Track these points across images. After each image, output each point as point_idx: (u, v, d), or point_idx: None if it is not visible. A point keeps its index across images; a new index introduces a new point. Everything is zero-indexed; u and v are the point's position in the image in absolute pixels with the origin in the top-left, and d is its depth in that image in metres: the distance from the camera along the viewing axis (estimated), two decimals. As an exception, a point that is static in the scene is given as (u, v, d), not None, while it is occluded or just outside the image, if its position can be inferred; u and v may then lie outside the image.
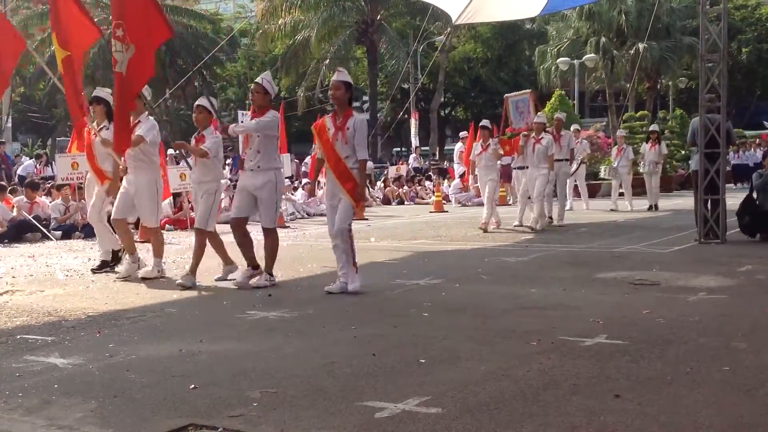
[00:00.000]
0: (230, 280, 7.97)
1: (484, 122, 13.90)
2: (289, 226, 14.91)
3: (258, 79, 7.77)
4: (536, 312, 6.12)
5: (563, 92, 28.50)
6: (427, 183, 24.11)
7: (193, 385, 4.23)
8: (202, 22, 41.26)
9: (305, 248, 11.13)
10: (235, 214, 7.82)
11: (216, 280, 8.08)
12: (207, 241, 8.03)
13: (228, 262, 8.22)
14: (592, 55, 33.73)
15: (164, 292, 7.44)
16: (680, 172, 26.25)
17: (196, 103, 8.25)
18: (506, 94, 15.23)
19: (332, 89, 7.16)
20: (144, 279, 8.15)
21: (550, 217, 13.70)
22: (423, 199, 22.11)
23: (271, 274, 7.69)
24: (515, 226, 13.34)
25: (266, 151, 7.57)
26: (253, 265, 7.80)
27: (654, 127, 19.22)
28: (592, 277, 7.83)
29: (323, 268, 8.89)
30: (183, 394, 4.11)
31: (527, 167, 13.14)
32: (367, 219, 16.36)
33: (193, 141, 8.27)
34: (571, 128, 17.79)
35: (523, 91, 16.03)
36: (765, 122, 34.47)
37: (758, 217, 10.78)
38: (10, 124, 29.23)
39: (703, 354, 4.73)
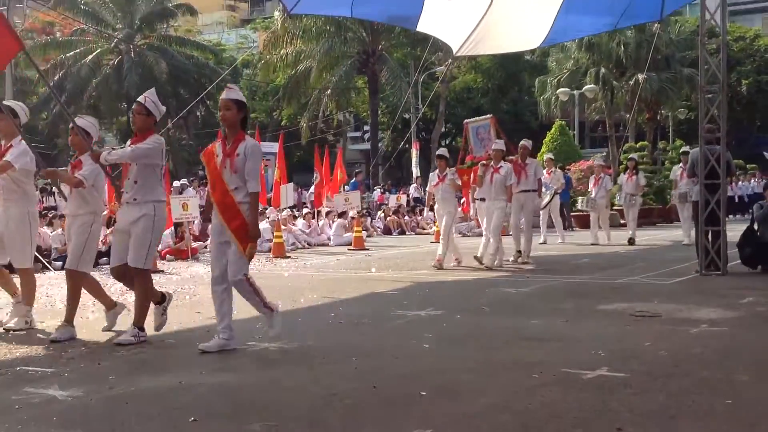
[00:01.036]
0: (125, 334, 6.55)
1: (441, 151, 13.14)
2: (289, 257, 14.90)
3: (140, 98, 6.84)
4: (538, 343, 6.10)
5: (563, 122, 28.65)
6: (427, 213, 24.11)
7: (193, 418, 4.20)
8: (205, 52, 41.57)
9: (306, 279, 11.12)
10: (114, 263, 6.67)
11: (104, 330, 6.95)
12: (82, 284, 6.93)
13: (110, 306, 7.14)
14: (592, 85, 33.91)
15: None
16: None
17: (71, 124, 7.26)
18: (466, 120, 14.45)
19: (221, 109, 6.14)
20: (9, 331, 7.08)
21: (519, 251, 12.71)
22: (424, 229, 22.10)
23: (141, 329, 6.45)
24: (474, 256, 12.13)
25: (145, 182, 6.49)
26: (155, 300, 6.81)
27: (632, 156, 18.47)
28: (593, 309, 7.81)
29: (323, 298, 8.88)
30: (183, 426, 4.09)
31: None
32: (367, 249, 16.36)
33: (69, 167, 7.20)
34: (545, 157, 17.53)
35: (484, 116, 15.14)
36: (765, 153, 34.51)
37: (759, 248, 10.77)
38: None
39: (705, 387, 4.71)
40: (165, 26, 41.15)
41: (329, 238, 18.48)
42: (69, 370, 5.45)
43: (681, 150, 17.30)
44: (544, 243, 16.53)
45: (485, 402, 4.43)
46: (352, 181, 25.19)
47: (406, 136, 28.66)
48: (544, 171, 16.90)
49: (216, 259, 6.16)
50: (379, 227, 22.11)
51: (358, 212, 18.74)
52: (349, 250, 16.52)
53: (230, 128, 6.08)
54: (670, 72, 36.03)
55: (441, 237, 12.40)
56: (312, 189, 22.90)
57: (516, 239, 12.81)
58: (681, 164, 15.81)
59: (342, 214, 19.04)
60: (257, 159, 6.02)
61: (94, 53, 37.78)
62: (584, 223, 23.19)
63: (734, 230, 11.59)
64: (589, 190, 17.38)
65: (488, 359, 5.55)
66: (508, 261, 12.48)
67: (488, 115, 15.00)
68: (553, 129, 27.05)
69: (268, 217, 17.36)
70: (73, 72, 37.16)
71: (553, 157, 18.27)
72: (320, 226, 19.00)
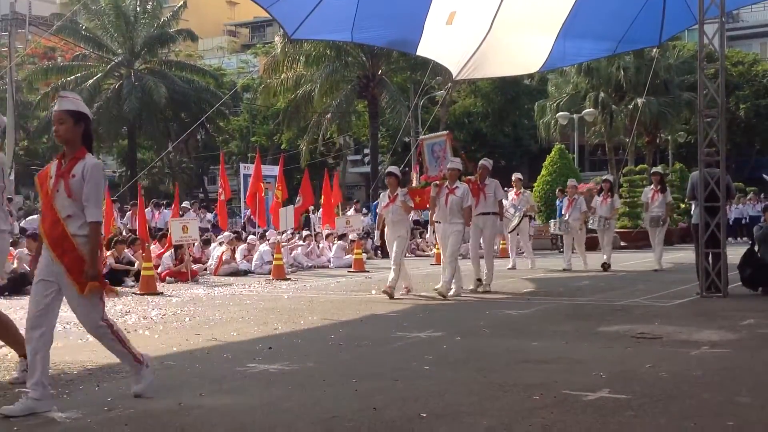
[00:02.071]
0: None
1: (391, 168, 12.01)
2: (289, 279, 14.89)
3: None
4: (538, 365, 6.08)
5: (563, 146, 28.74)
6: (427, 235, 24.10)
7: (192, 440, 4.18)
8: (205, 77, 41.79)
9: (305, 300, 11.10)
10: None
11: (11, 382, 5.84)
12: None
13: (21, 353, 5.86)
14: (591, 109, 34.07)
15: (163, 345, 7.40)
16: (681, 226, 26.30)
17: None
18: (421, 136, 13.39)
19: (54, 123, 5.11)
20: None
21: (479, 279, 11.87)
22: (424, 251, 22.10)
23: None
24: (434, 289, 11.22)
25: None
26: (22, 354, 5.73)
27: (607, 177, 17.27)
28: (594, 331, 7.79)
29: (323, 320, 8.86)
30: (182, 448, 4.07)
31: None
32: (367, 271, 16.35)
33: None
34: (513, 177, 16.68)
35: (440, 132, 14.23)
36: (765, 176, 34.57)
37: (760, 269, 10.77)
38: (13, 177, 29.37)
39: (706, 409, 4.69)
40: (166, 51, 41.39)
41: (329, 261, 18.49)
42: (68, 392, 5.43)
43: (652, 171, 16.25)
44: (513, 268, 15.95)
45: (486, 424, 4.41)
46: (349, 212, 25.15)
47: (406, 159, 28.71)
48: (512, 192, 16.54)
49: (36, 299, 5.01)
50: (378, 248, 22.08)
51: (358, 235, 18.73)
52: (349, 272, 16.50)
53: (68, 145, 5.09)
54: (669, 96, 36.24)
55: (392, 263, 11.23)
56: (319, 212, 22.79)
57: (476, 266, 11.99)
58: (652, 186, 15.29)
59: (342, 237, 19.05)
60: (98, 182, 4.98)
61: (95, 78, 37.96)
62: (587, 244, 23.25)
63: (733, 252, 11.60)
64: (562, 212, 16.51)
65: (489, 381, 5.53)
66: (467, 290, 11.67)
67: (444, 132, 14.00)
68: (553, 152, 27.12)
69: (268, 240, 17.38)
70: (74, 96, 37.28)
71: (521, 176, 17.21)
72: (320, 249, 19.00)
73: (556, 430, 4.25)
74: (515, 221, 15.99)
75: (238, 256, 16.56)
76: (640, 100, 32.52)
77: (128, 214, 22.31)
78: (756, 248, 10.99)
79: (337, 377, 5.75)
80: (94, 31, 38.68)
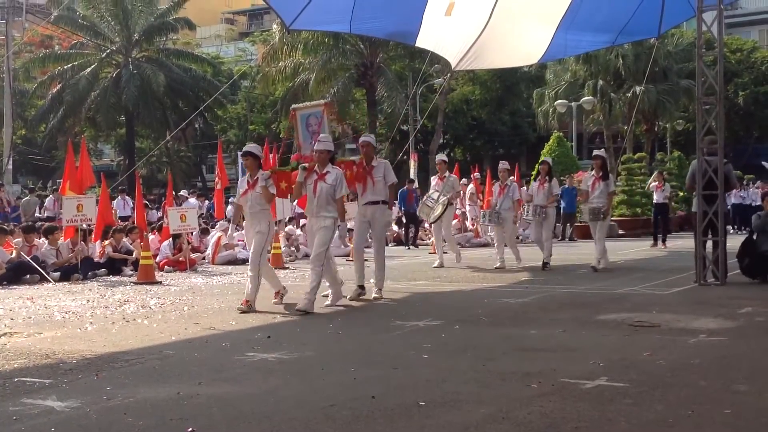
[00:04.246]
0: None
1: (249, 147, 9.43)
2: (288, 267, 14.90)
3: None
4: (536, 354, 6.09)
5: (561, 134, 28.74)
6: (425, 224, 24.10)
7: (190, 429, 4.19)
8: (203, 65, 41.67)
9: (304, 289, 11.07)
10: None
11: None
12: None
13: None
14: (590, 97, 34.02)
15: (162, 334, 7.41)
16: (679, 214, 26.34)
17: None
18: (294, 105, 10.71)
19: None
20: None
21: (361, 286, 9.71)
22: (422, 240, 22.10)
23: None
24: (324, 298, 9.23)
25: None
26: None
27: (546, 159, 14.56)
28: (592, 319, 7.81)
29: (322, 309, 8.86)
30: (181, 437, 4.08)
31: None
32: (366, 260, 16.31)
33: None
34: (437, 158, 14.46)
35: (317, 101, 11.43)
36: (764, 163, 34.56)
37: (758, 258, 10.78)
38: (10, 166, 29.34)
39: (704, 397, 4.70)
40: (164, 40, 41.27)
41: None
42: (67, 381, 5.43)
43: (593, 153, 13.48)
44: (441, 266, 13.78)
45: (484, 412, 4.42)
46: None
47: (405, 148, 28.69)
48: (435, 177, 14.69)
49: None
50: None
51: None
52: (347, 261, 16.49)
53: None
54: (668, 84, 36.18)
55: (250, 269, 9.05)
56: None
57: (358, 268, 9.84)
58: (593, 171, 12.96)
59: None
60: None
61: (92, 66, 37.86)
62: (585, 233, 23.29)
63: (732, 239, 11.62)
64: (493, 200, 14.19)
65: (487, 369, 5.54)
66: (345, 297, 9.52)
67: (322, 100, 11.03)
68: (551, 140, 27.15)
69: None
70: (71, 84, 37.22)
71: (445, 158, 14.97)
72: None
73: (554, 418, 4.27)
74: (438, 210, 13.71)
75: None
76: (638, 88, 32.47)
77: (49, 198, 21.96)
78: (754, 237, 10.99)
79: (335, 366, 5.76)
80: (91, 20, 38.54)
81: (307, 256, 17.68)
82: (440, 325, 7.56)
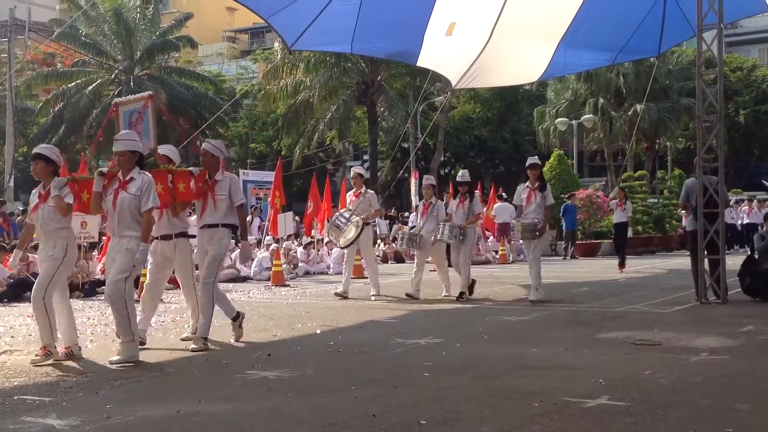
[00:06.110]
0: None
1: (41, 148, 7.22)
2: (289, 285, 14.88)
3: None
4: (538, 372, 6.07)
5: (562, 152, 28.78)
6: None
7: (191, 447, 4.18)
8: (205, 83, 41.81)
9: (305, 307, 11.08)
10: None
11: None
12: None
13: None
14: (591, 115, 34.11)
15: (163, 352, 7.39)
16: (680, 232, 26.35)
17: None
18: (116, 100, 8.75)
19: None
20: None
21: (239, 313, 8.09)
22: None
23: None
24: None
25: None
26: None
27: (463, 176, 12.13)
28: (593, 337, 7.79)
29: (323, 327, 8.86)
30: (181, 455, 4.06)
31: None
32: (366, 277, 16.31)
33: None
34: (352, 171, 12.69)
35: (140, 94, 8.72)
36: (765, 182, 34.63)
37: (758, 278, 10.76)
38: (12, 184, 29.36)
39: (706, 416, 4.68)
40: (166, 58, 41.41)
41: (329, 267, 18.47)
42: (67, 399, 5.42)
43: (528, 163, 11.40)
44: (343, 295, 11.97)
45: (485, 431, 4.41)
46: None
47: (405, 165, 28.73)
48: (350, 193, 12.63)
49: None
50: (378, 256, 22.07)
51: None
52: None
53: None
54: (669, 102, 36.29)
55: (31, 305, 7.02)
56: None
57: (192, 306, 8.18)
58: (527, 184, 11.21)
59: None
60: None
61: (95, 84, 37.99)
62: (586, 251, 23.31)
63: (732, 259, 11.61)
64: (415, 221, 12.18)
65: (488, 388, 5.53)
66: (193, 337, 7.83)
67: (146, 93, 8.60)
68: (552, 158, 27.17)
69: (267, 246, 17.36)
70: (73, 102, 37.35)
71: (362, 172, 12.77)
72: (319, 255, 18.99)
73: (555, 437, 4.25)
74: (351, 233, 11.71)
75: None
76: (639, 106, 32.55)
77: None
78: (755, 257, 10.98)
79: (336, 384, 5.75)
80: (93, 38, 38.71)
81: (307, 273, 17.77)
82: (441, 343, 7.54)
